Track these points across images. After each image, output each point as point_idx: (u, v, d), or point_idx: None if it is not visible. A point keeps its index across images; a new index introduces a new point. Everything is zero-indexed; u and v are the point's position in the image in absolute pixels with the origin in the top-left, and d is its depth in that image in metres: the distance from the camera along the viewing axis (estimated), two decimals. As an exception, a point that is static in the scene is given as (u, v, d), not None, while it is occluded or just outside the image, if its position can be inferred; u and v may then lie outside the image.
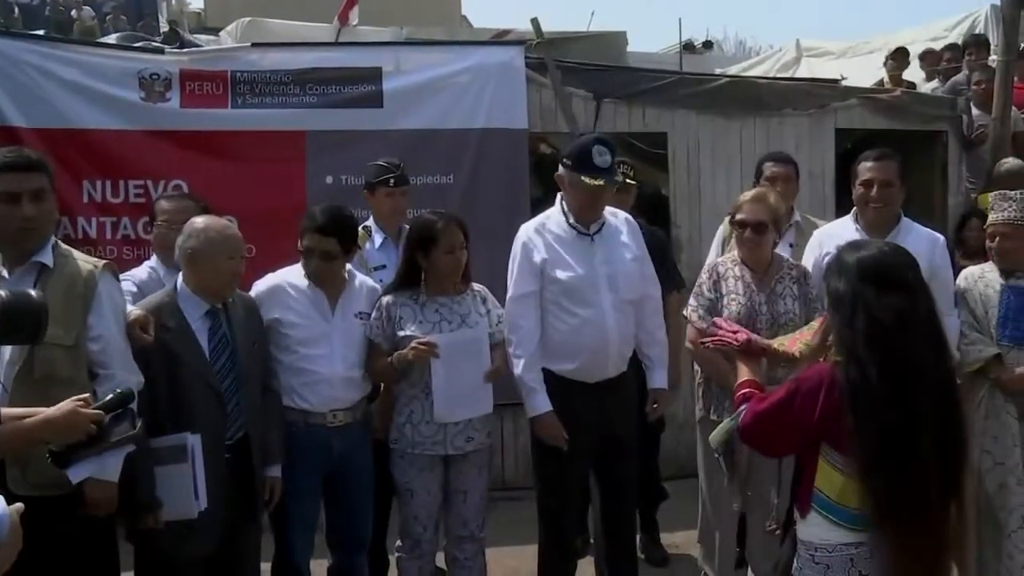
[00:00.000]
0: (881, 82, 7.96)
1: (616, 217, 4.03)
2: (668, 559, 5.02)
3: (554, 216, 3.95)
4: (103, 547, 3.13)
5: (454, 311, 3.84)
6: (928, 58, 8.30)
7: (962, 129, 6.65)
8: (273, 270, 3.90)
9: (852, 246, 2.67)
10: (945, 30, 8.77)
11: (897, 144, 6.76)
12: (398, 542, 3.95)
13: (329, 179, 5.62)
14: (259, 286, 3.83)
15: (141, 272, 4.06)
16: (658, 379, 4.06)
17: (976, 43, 7.62)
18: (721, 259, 4.16)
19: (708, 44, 13.56)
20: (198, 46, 5.97)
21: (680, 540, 5.19)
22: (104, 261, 3.22)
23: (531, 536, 4.39)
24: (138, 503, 3.20)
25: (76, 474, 2.62)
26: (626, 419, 3.98)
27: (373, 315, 3.84)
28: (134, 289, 3.83)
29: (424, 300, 3.84)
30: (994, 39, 7.79)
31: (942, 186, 6.73)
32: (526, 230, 3.96)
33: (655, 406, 4.09)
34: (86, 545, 3.02)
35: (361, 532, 3.91)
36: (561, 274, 3.83)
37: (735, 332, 3.11)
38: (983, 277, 4.14)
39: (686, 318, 4.10)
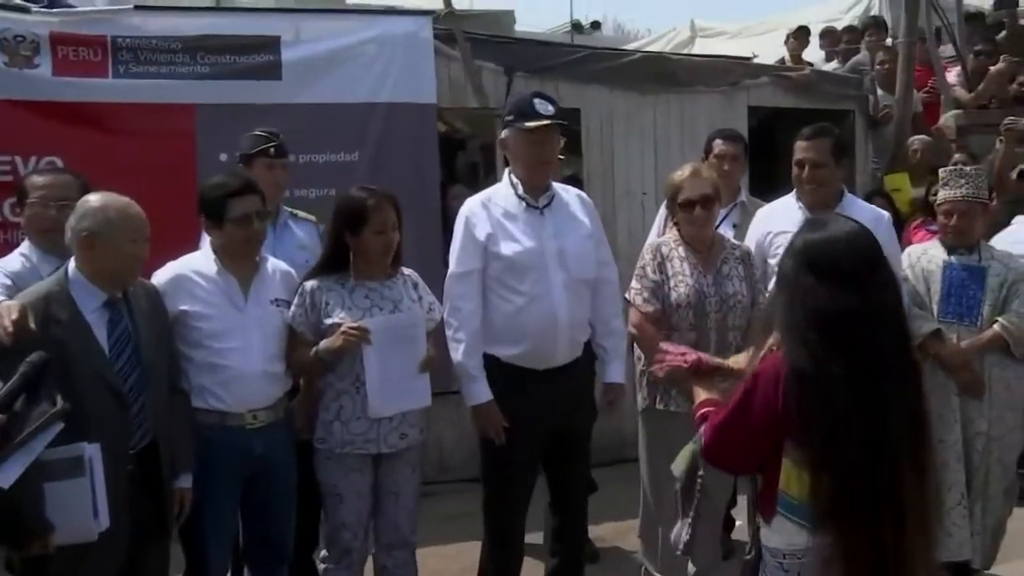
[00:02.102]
0: (782, 61, 7.98)
1: (567, 192, 3.80)
2: (598, 554, 4.81)
3: (501, 189, 3.71)
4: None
5: (385, 296, 3.52)
6: (828, 37, 8.37)
7: (868, 109, 6.70)
8: (163, 258, 3.48)
9: (813, 225, 2.45)
10: (841, 12, 8.91)
11: (805, 122, 6.85)
12: (323, 552, 3.61)
13: (223, 156, 5.15)
14: (160, 277, 3.40)
15: (12, 262, 3.48)
16: (614, 372, 3.84)
17: (876, 24, 7.74)
18: (663, 239, 3.97)
19: (596, 24, 13.41)
20: (71, 6, 5.37)
21: (607, 532, 5.01)
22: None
23: (454, 534, 4.16)
24: (23, 527, 2.73)
25: (5, 477, 2.30)
26: (579, 409, 3.76)
27: (295, 301, 3.48)
28: (7, 282, 3.30)
29: (352, 285, 3.50)
30: (889, 21, 7.91)
31: (849, 165, 6.76)
32: (470, 204, 3.69)
33: (610, 401, 3.87)
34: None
35: (284, 544, 3.54)
36: (506, 248, 3.57)
37: (683, 354, 2.94)
38: (925, 253, 4.11)
39: (628, 301, 3.89)
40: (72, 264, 3.07)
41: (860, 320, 2.24)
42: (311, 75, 5.41)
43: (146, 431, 3.08)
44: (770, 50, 8.36)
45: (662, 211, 4.72)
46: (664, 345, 3.09)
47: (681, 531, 3.08)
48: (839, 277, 2.27)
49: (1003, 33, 7.95)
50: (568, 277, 3.62)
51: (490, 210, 3.64)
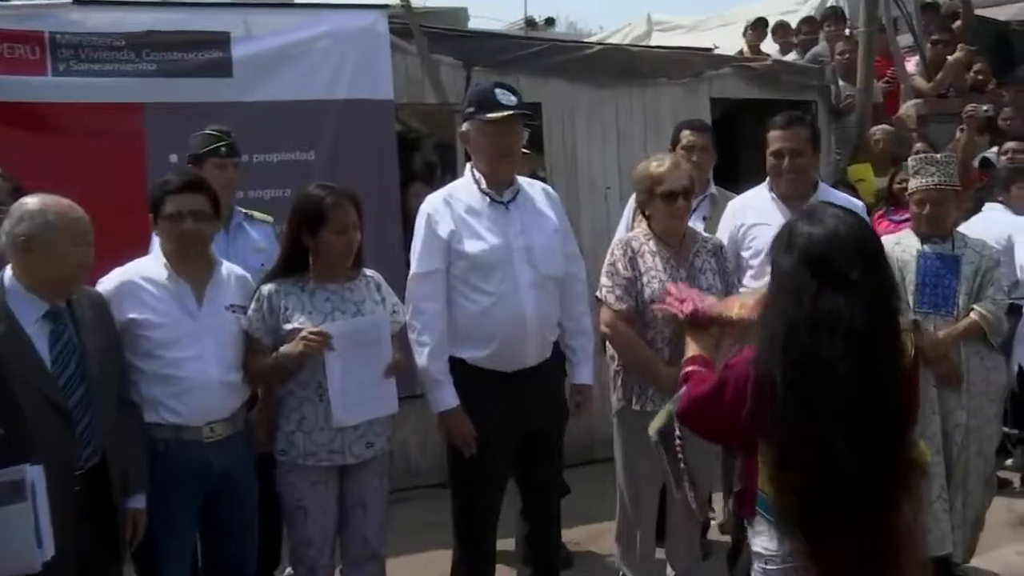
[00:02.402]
0: (740, 53, 7.92)
1: (532, 186, 3.66)
2: (572, 558, 4.68)
3: (463, 184, 3.56)
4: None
5: (347, 299, 3.36)
6: (780, 31, 8.35)
7: (830, 99, 6.66)
8: (111, 264, 3.28)
9: (810, 217, 2.34)
10: (798, 3, 8.90)
11: (767, 114, 6.80)
12: (288, 570, 3.44)
13: (174, 158, 4.92)
14: (106, 284, 3.20)
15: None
16: (583, 374, 3.71)
17: (835, 15, 7.73)
18: (632, 234, 3.85)
19: (550, 20, 13.38)
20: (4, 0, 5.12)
21: (579, 536, 4.88)
22: None
23: (423, 543, 4.01)
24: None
25: None
26: (551, 411, 3.63)
27: (252, 306, 3.31)
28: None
29: (312, 287, 3.33)
30: (847, 12, 7.89)
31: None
32: (431, 201, 3.53)
33: (579, 403, 3.74)
34: None
35: (245, 563, 3.36)
36: (471, 246, 3.42)
37: (682, 301, 2.78)
38: (899, 243, 4.04)
39: (600, 299, 3.76)
40: (8, 272, 2.87)
41: (860, 321, 2.14)
42: (263, 72, 5.23)
43: (94, 449, 2.88)
44: (728, 43, 8.31)
45: (630, 205, 4.60)
46: (670, 286, 2.93)
47: (688, 495, 2.98)
48: (843, 278, 2.16)
49: (958, 23, 7.97)
50: (536, 274, 3.49)
51: (452, 207, 3.50)
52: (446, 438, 3.53)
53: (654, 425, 2.75)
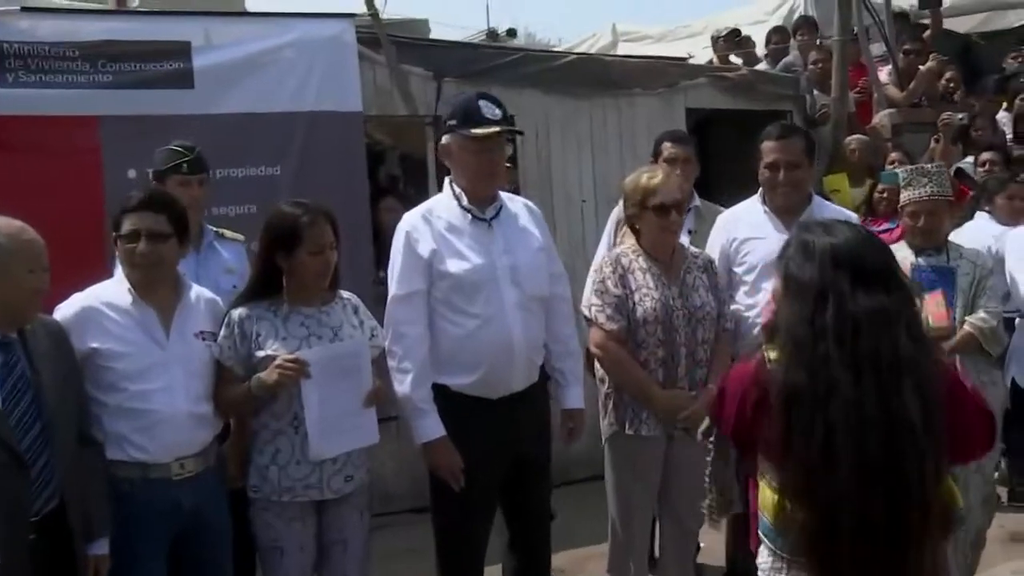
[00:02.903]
0: (710, 63, 7.83)
1: (514, 202, 3.49)
2: (558, 588, 4.50)
3: (443, 200, 3.38)
4: None
5: (323, 324, 3.16)
6: (745, 43, 8.22)
7: (805, 109, 6.60)
8: (65, 291, 3.05)
9: (819, 228, 2.24)
10: (767, 13, 8.86)
11: (743, 124, 6.73)
12: (264, 613, 3.21)
13: (132, 173, 4.73)
14: (64, 311, 2.98)
15: None
16: (573, 397, 3.53)
17: (807, 24, 7.67)
18: (621, 250, 3.69)
19: (512, 32, 13.18)
20: (-56, 8, 4.86)
21: (564, 562, 4.70)
22: None
23: (401, 572, 3.80)
24: None
25: None
26: (539, 436, 3.46)
27: (222, 332, 3.10)
28: None
29: (287, 312, 3.12)
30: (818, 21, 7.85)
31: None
32: (410, 219, 3.34)
33: (571, 429, 3.56)
34: None
35: (219, 607, 3.13)
36: (454, 266, 3.24)
37: None
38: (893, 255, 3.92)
39: (589, 320, 3.60)
40: (-45, 301, 2.63)
41: (892, 324, 2.05)
42: (227, 83, 5.02)
43: (52, 493, 2.66)
44: (696, 54, 8.23)
45: (613, 219, 4.46)
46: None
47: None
48: (875, 278, 2.08)
49: (927, 32, 7.97)
50: (522, 295, 3.32)
51: (432, 224, 3.31)
52: (430, 470, 3.33)
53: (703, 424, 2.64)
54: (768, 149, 3.74)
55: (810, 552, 2.07)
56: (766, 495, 2.18)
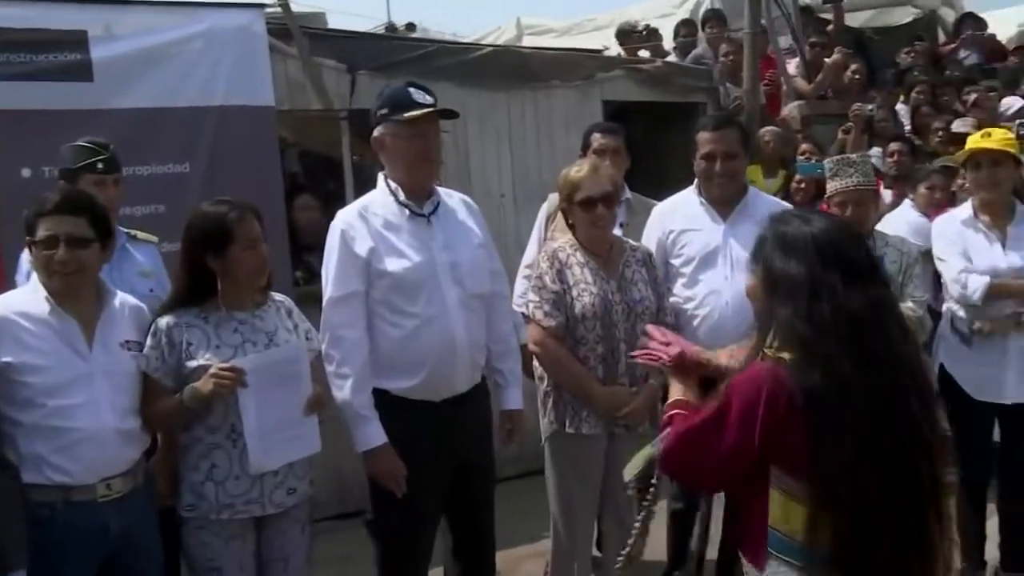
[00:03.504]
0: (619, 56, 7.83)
1: (451, 197, 3.37)
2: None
3: (378, 197, 3.24)
4: None
5: (257, 329, 2.98)
6: (652, 36, 8.23)
7: (719, 101, 6.66)
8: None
9: (795, 219, 2.16)
10: (673, 6, 8.91)
11: (658, 116, 6.76)
12: (199, 638, 3.01)
13: (26, 172, 4.43)
14: None
15: None
16: (513, 398, 3.45)
17: (715, 17, 7.73)
18: (558, 245, 3.62)
19: (411, 26, 12.96)
20: None
21: (500, 564, 4.55)
22: None
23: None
24: None
25: None
26: (482, 439, 3.36)
27: (148, 343, 2.89)
28: None
29: (218, 318, 2.93)
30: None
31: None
32: (344, 216, 3.20)
33: (510, 431, 3.47)
34: None
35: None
36: (393, 265, 3.11)
37: (667, 344, 2.54)
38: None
39: (527, 317, 3.51)
40: None
41: (887, 318, 2.00)
42: (128, 76, 4.71)
43: (-38, 523, 2.42)
44: (609, 46, 8.20)
45: (543, 213, 4.39)
46: (650, 328, 2.68)
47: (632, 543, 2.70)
48: (862, 270, 2.02)
49: (830, 26, 8.16)
50: (463, 293, 3.21)
51: (369, 221, 3.18)
52: (372, 478, 3.19)
53: (631, 470, 2.48)
54: (704, 140, 3.71)
55: (843, 563, 1.98)
56: (790, 508, 2.04)
